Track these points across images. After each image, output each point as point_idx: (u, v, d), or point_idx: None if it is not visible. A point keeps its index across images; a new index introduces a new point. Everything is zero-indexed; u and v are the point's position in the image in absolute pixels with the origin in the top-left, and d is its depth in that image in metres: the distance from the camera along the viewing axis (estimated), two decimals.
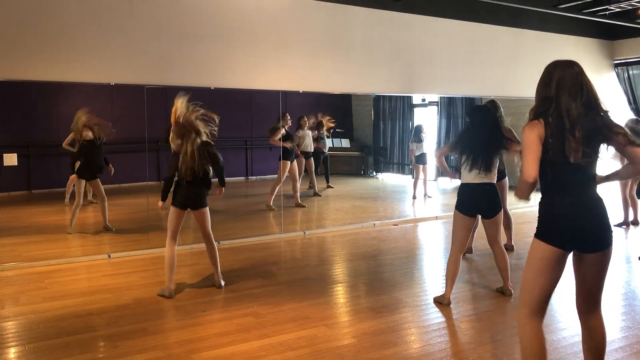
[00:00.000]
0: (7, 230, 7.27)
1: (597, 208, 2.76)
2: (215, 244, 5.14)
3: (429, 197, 10.40)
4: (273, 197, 8.71)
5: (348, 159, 12.81)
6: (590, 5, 8.72)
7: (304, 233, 7.60)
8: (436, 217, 8.80)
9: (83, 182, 7.14)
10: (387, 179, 12.57)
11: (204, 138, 4.83)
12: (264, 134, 10.88)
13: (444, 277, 4.78)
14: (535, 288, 2.81)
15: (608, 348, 3.02)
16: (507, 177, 6.19)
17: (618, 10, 8.82)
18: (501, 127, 5.05)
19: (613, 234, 2.82)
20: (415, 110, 12.01)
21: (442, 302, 4.67)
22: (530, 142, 2.68)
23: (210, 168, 4.90)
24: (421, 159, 10.05)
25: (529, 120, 2.75)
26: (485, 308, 4.62)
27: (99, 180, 7.23)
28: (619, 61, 10.52)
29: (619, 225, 7.80)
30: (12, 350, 3.78)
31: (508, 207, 6.28)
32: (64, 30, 5.95)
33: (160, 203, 5.03)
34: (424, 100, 11.82)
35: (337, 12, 7.63)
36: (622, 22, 8.94)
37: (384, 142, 12.52)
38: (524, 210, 8.35)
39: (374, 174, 12.75)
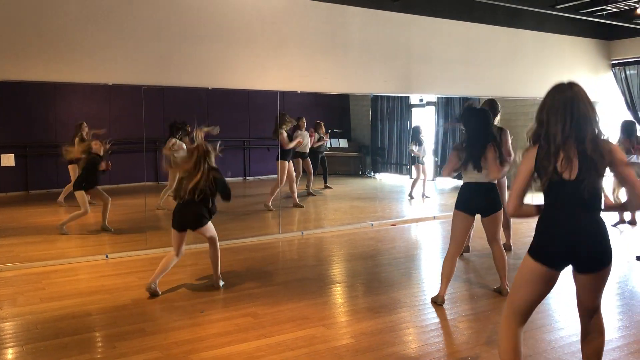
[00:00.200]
0: (5, 231, 7.25)
1: (594, 228, 2.71)
2: (219, 248, 5.15)
3: (426, 197, 10.42)
4: (272, 198, 8.72)
5: (346, 159, 12.81)
6: (588, 6, 8.74)
7: (302, 233, 7.60)
8: (434, 217, 8.81)
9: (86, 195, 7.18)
10: (385, 179, 12.58)
11: (212, 162, 4.87)
12: (261, 134, 10.87)
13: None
14: (521, 300, 2.86)
15: (606, 347, 3.03)
16: (506, 177, 6.19)
17: (615, 10, 8.84)
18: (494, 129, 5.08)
19: (612, 254, 2.74)
20: (413, 110, 12.02)
21: (436, 302, 4.68)
22: (521, 172, 2.79)
23: (210, 193, 4.89)
24: (419, 159, 10.08)
25: (527, 144, 2.82)
26: (483, 308, 4.63)
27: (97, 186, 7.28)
28: (616, 61, 10.54)
29: (614, 225, 7.85)
30: (10, 351, 3.78)
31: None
32: (62, 31, 5.94)
33: None
34: (421, 100, 11.83)
35: (335, 13, 7.63)
36: (619, 22, 8.96)
37: (381, 142, 12.53)
38: None
39: (372, 174, 12.76)
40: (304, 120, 9.84)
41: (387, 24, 8.07)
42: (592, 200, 2.69)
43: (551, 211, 2.77)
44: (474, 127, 4.67)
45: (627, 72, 10.41)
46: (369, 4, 7.87)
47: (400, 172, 12.33)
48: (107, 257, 6.20)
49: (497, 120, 5.98)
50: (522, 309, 2.86)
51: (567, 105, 2.69)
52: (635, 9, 8.55)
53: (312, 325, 4.18)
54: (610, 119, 9.58)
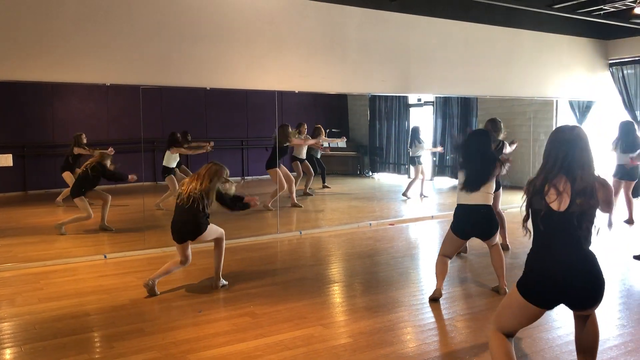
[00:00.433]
0: (3, 231, 7.25)
1: (585, 265, 2.72)
2: (224, 250, 5.16)
3: (425, 196, 10.43)
4: (273, 200, 8.73)
5: (344, 159, 12.83)
6: (585, 5, 8.75)
7: (300, 233, 7.61)
8: (432, 217, 8.82)
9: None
10: (383, 178, 12.59)
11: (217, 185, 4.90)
12: (259, 134, 10.89)
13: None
14: (509, 326, 2.91)
15: (603, 346, 3.05)
16: (501, 188, 6.20)
17: (612, 10, 8.85)
18: (493, 150, 5.13)
19: (604, 289, 2.76)
20: (411, 110, 12.04)
21: (436, 297, 4.70)
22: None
23: (206, 205, 4.87)
24: (419, 159, 10.09)
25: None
26: (481, 307, 4.64)
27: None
28: (614, 61, 10.55)
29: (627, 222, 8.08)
30: (8, 351, 3.78)
31: (501, 207, 6.27)
32: (60, 31, 5.93)
33: None
34: (419, 100, 11.85)
35: (333, 12, 7.63)
36: (617, 22, 8.97)
37: (380, 142, 12.54)
38: (518, 210, 8.35)
39: (370, 173, 12.77)
40: (305, 127, 10.01)
41: (385, 24, 8.08)
42: (585, 232, 2.73)
43: (539, 244, 2.81)
44: (479, 155, 4.72)
45: (625, 72, 10.43)
46: (367, 4, 7.88)
47: (398, 171, 12.35)
48: (105, 257, 6.20)
49: (501, 136, 6.15)
50: (509, 332, 2.93)
51: (560, 147, 2.78)
52: (633, 8, 8.56)
53: (310, 325, 4.19)
54: (607, 118, 9.60)
